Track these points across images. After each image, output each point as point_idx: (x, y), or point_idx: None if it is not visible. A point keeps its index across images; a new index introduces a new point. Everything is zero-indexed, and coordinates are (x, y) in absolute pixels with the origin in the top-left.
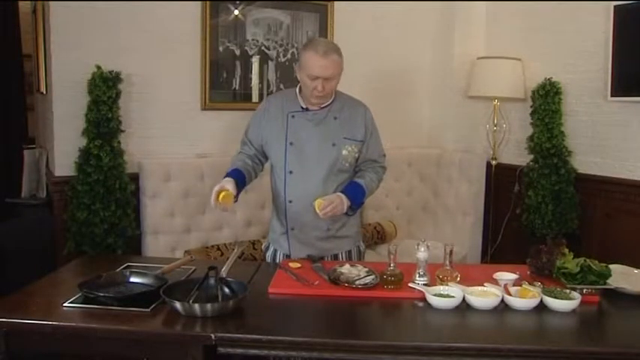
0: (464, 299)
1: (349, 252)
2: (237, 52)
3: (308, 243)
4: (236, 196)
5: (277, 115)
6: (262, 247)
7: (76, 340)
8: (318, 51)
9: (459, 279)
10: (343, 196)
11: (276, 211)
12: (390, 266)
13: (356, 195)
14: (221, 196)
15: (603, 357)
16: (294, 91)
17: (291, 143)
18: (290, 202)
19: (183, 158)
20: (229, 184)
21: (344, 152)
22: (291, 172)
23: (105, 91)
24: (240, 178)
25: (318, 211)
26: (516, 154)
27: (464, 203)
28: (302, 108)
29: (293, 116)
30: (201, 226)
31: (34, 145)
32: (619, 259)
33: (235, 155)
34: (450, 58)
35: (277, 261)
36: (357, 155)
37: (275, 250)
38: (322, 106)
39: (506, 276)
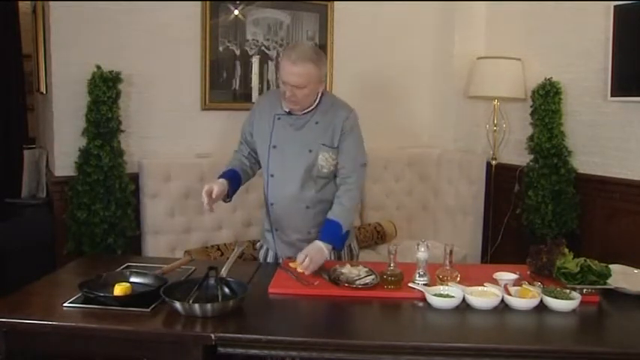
0: (464, 299)
1: (339, 253)
2: (237, 52)
3: (290, 244)
4: (231, 196)
5: (265, 116)
6: (256, 245)
7: (76, 340)
8: (290, 57)
9: (459, 279)
10: (320, 244)
11: (265, 210)
12: (390, 266)
13: (334, 235)
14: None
15: (603, 357)
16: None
17: (274, 146)
18: (272, 204)
19: (183, 158)
20: (218, 186)
21: (320, 158)
22: (272, 176)
23: (105, 91)
24: (235, 178)
25: (300, 269)
26: (516, 154)
27: (464, 203)
28: (285, 112)
29: (279, 118)
30: (201, 226)
31: (34, 145)
32: (619, 259)
33: (232, 155)
34: (450, 58)
35: (268, 260)
36: (335, 162)
37: (267, 250)
38: (305, 111)
39: (506, 276)
